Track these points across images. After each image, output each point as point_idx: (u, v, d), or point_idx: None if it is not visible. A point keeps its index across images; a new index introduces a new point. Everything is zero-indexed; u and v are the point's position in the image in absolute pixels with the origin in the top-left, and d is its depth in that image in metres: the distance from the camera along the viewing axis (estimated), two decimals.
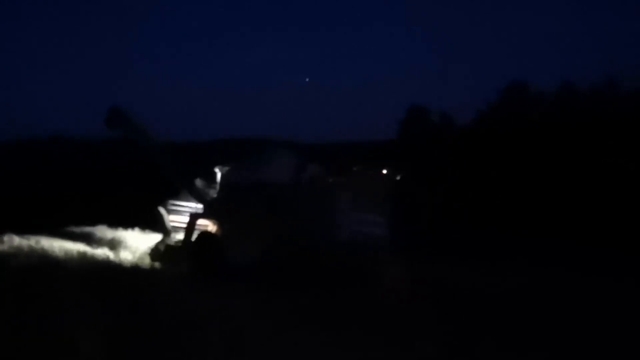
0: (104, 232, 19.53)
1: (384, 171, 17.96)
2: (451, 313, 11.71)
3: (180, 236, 16.89)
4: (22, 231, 16.62)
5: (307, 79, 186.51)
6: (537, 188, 29.56)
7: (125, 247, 17.90)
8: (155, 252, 16.64)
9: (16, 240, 15.92)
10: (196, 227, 16.57)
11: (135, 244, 18.22)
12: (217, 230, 16.48)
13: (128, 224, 20.08)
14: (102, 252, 16.81)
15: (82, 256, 15.83)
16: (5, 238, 15.89)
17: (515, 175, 30.84)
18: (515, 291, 14.13)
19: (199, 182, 17.80)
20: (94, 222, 20.22)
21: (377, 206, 15.68)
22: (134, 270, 15.25)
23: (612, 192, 26.87)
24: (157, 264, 16.17)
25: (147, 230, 19.56)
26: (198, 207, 17.24)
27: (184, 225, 16.84)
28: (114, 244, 18.04)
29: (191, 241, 16.41)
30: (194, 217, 16.79)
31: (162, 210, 17.68)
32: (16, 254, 14.88)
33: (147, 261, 16.44)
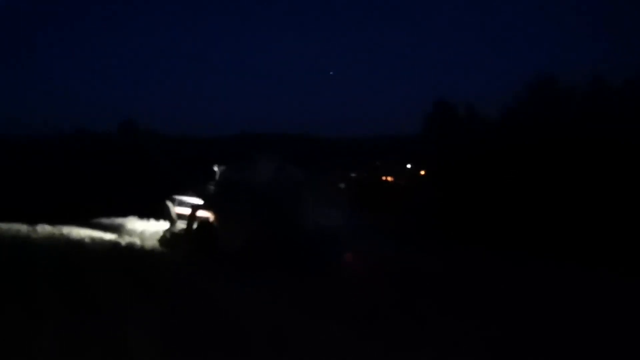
0: (134, 223, 21.84)
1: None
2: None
3: (183, 225, 19.68)
4: (54, 222, 18.95)
5: (332, 72, 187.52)
6: (572, 189, 26.36)
7: (148, 235, 20.20)
8: (163, 239, 19.46)
9: (48, 230, 18.29)
10: (197, 217, 19.37)
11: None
12: (214, 220, 19.21)
13: (156, 216, 21.81)
14: (121, 239, 19.41)
15: (101, 241, 18.44)
16: (39, 228, 18.14)
17: (547, 173, 28.13)
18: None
19: (200, 178, 20.58)
20: (125, 214, 22.35)
21: (343, 202, 18.03)
22: (144, 253, 18.01)
23: None
24: (164, 249, 19.00)
25: None
26: (198, 200, 19.99)
27: (187, 216, 19.66)
28: (140, 234, 20.40)
29: (192, 229, 19.20)
30: (195, 208, 19.58)
31: (168, 202, 20.49)
32: (48, 241, 17.14)
33: (157, 246, 19.27)
